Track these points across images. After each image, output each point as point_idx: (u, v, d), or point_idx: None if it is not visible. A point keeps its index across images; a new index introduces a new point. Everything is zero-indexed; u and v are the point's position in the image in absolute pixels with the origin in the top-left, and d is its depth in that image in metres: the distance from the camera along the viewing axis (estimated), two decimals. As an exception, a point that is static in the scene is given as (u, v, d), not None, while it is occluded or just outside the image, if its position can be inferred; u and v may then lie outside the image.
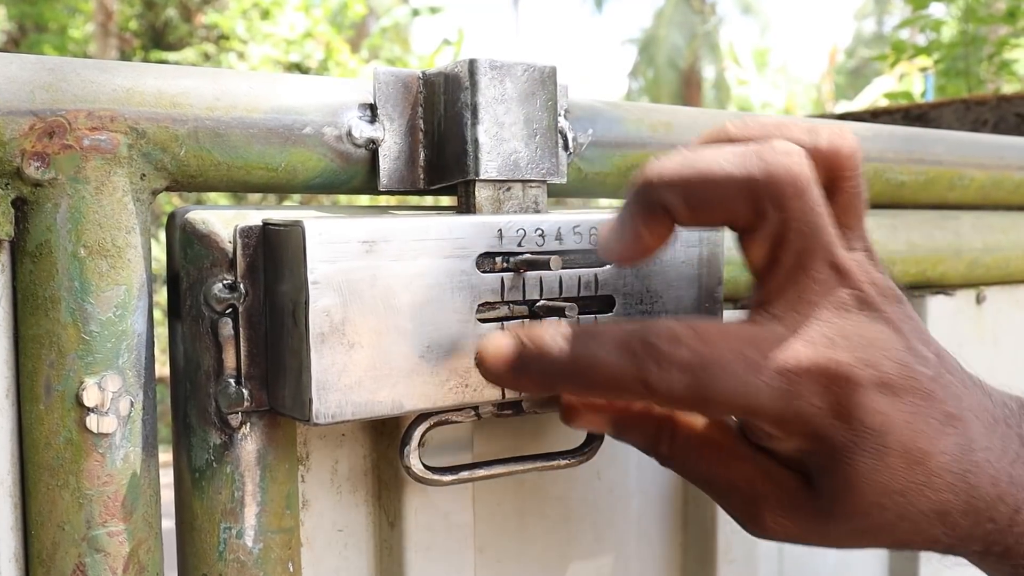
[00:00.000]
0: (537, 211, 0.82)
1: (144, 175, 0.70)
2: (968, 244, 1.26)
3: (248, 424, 0.75)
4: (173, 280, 0.76)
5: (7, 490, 0.69)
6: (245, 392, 0.73)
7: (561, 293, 0.78)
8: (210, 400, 0.74)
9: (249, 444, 0.75)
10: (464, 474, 0.82)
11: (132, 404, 0.70)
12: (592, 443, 0.89)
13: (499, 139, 0.78)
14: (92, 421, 0.68)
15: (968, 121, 2.42)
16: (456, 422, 0.82)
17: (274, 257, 0.72)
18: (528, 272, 0.76)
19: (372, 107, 0.79)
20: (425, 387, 0.73)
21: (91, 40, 15.01)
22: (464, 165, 0.77)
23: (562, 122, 0.87)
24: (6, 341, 0.69)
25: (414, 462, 0.79)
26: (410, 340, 0.72)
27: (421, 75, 0.81)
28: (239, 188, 0.77)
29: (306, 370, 0.68)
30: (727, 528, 1.06)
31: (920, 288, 1.25)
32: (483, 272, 0.75)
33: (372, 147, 0.79)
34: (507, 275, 0.76)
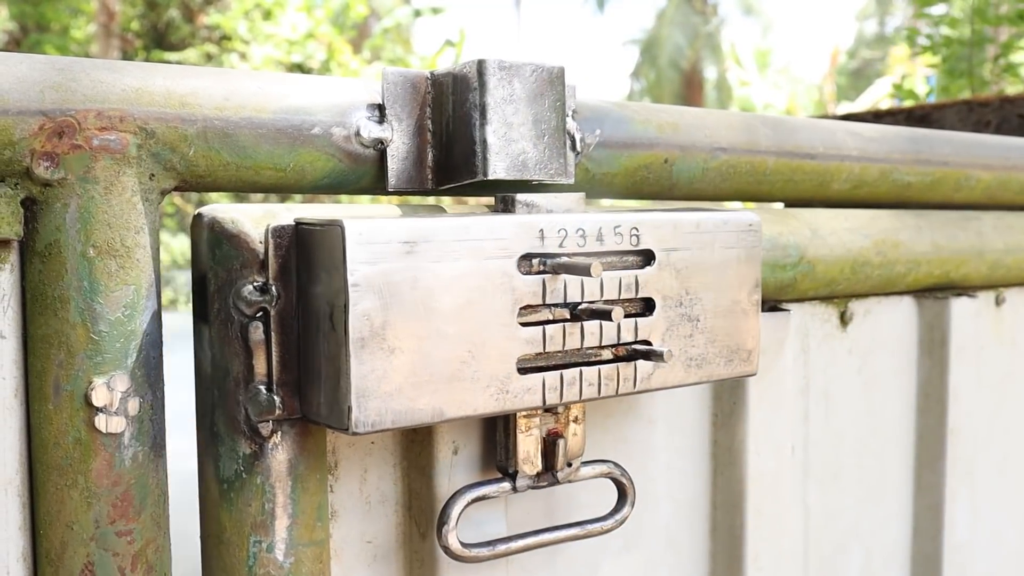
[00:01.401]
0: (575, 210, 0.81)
1: (153, 175, 0.70)
2: (990, 245, 1.27)
3: (279, 433, 0.72)
4: (200, 282, 0.74)
5: (16, 490, 0.69)
6: (276, 399, 0.71)
7: (602, 295, 0.77)
8: (239, 407, 0.72)
9: (280, 454, 0.73)
10: (501, 548, 0.81)
11: (141, 404, 0.70)
12: (622, 508, 0.88)
13: (507, 139, 0.78)
14: (101, 421, 0.68)
15: (971, 122, 2.41)
16: (493, 497, 0.81)
17: (309, 258, 0.70)
18: (565, 275, 0.75)
19: (380, 107, 0.79)
20: (466, 394, 0.72)
21: (93, 40, 15.03)
22: (473, 165, 0.77)
23: (570, 122, 0.87)
24: (15, 341, 0.69)
25: (452, 541, 0.78)
26: (451, 345, 0.70)
27: (429, 75, 0.81)
28: (248, 188, 0.77)
29: (345, 376, 0.66)
30: (756, 535, 1.06)
31: (944, 290, 1.26)
32: (524, 274, 0.73)
33: (380, 147, 0.79)
34: (548, 277, 0.75)
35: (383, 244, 0.66)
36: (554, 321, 0.74)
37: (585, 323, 0.76)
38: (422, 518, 0.84)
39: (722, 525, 1.05)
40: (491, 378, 0.72)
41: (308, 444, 0.74)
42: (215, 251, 0.72)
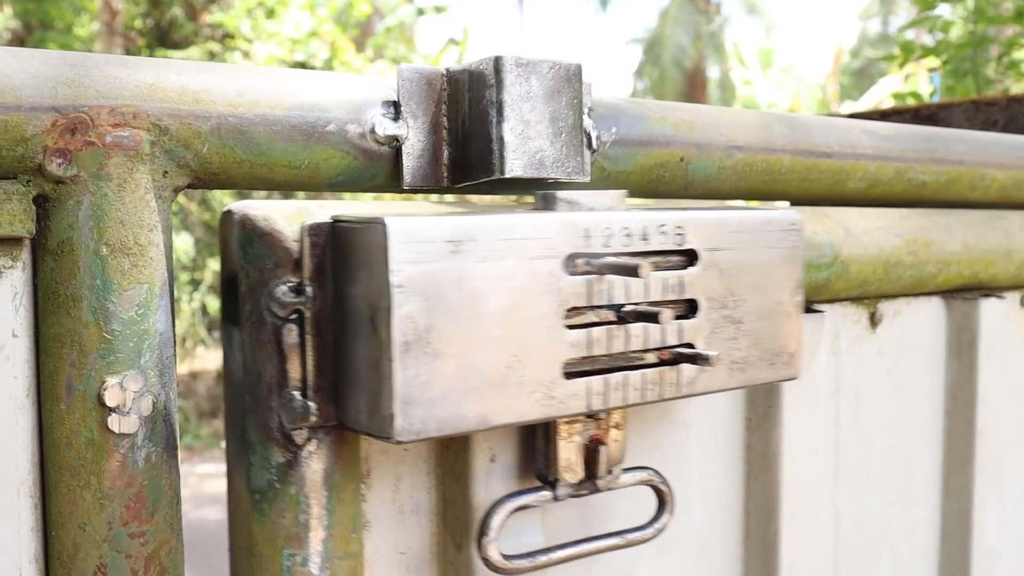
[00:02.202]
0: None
1: (166, 172, 0.70)
2: (1018, 245, 1.25)
3: (314, 441, 0.70)
4: (230, 282, 0.71)
5: (28, 490, 0.68)
6: (312, 406, 0.68)
7: (646, 296, 0.75)
8: (272, 414, 0.69)
9: (315, 463, 0.70)
10: (542, 559, 0.79)
11: (154, 404, 0.69)
12: (661, 516, 0.86)
13: (525, 137, 0.77)
14: (114, 421, 0.67)
15: (978, 122, 2.41)
16: (533, 507, 0.79)
17: (347, 257, 0.67)
18: (611, 275, 0.72)
19: (396, 104, 0.78)
20: (512, 400, 0.69)
21: (96, 38, 15.02)
22: (489, 163, 0.76)
23: (587, 120, 0.86)
24: (27, 340, 0.68)
25: (492, 553, 0.76)
26: (497, 349, 0.68)
27: (445, 72, 0.80)
28: (261, 186, 0.76)
29: (387, 382, 0.64)
30: (791, 542, 1.04)
31: (972, 290, 1.24)
32: (570, 274, 0.71)
33: (395, 145, 0.78)
34: (595, 278, 0.72)
35: (427, 243, 0.64)
36: (600, 323, 0.72)
37: (631, 326, 0.74)
38: (457, 528, 0.82)
39: (755, 532, 1.04)
40: (536, 383, 0.69)
41: (344, 452, 0.71)
42: (246, 250, 0.69)
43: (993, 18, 4.85)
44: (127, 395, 0.67)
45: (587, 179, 0.85)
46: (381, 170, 0.78)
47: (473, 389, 0.66)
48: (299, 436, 0.69)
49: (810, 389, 1.05)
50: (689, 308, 0.78)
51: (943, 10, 5.22)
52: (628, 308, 0.73)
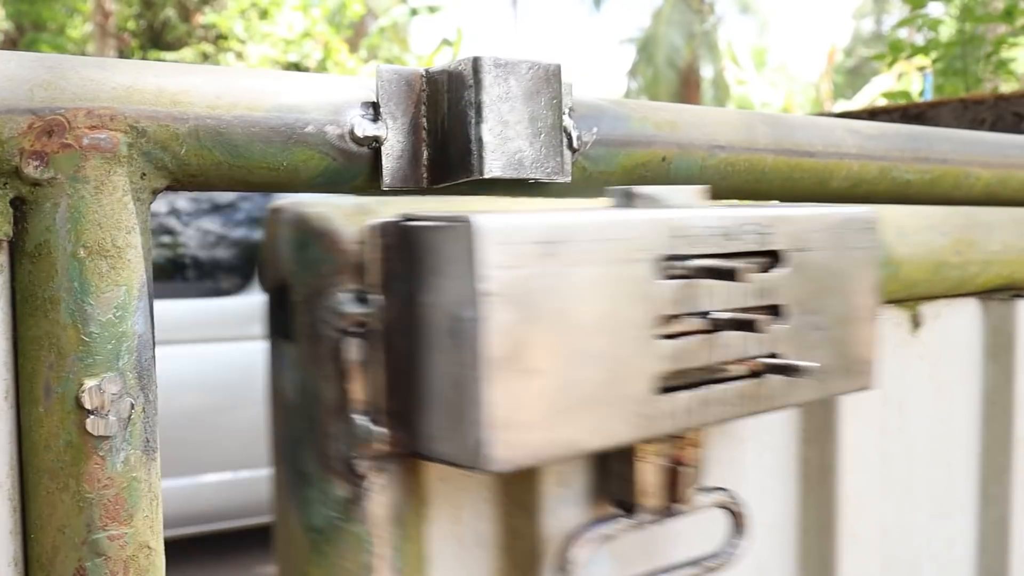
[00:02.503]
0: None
1: (144, 174, 0.70)
2: None
3: (382, 472, 0.62)
4: (279, 291, 0.64)
5: (6, 493, 0.68)
6: (380, 431, 0.60)
7: (733, 301, 0.68)
8: (333, 442, 0.61)
9: (382, 496, 0.62)
10: None
11: (132, 406, 0.69)
12: (737, 540, 0.81)
13: (503, 137, 0.77)
14: (92, 423, 0.67)
15: (966, 120, 2.42)
16: (613, 536, 0.72)
17: (421, 261, 0.59)
18: (704, 279, 0.66)
19: (375, 105, 0.78)
20: (606, 420, 0.61)
21: (89, 40, 15.00)
22: (468, 164, 0.76)
23: (567, 120, 0.86)
24: (5, 342, 0.68)
25: None
26: (591, 363, 0.60)
27: (424, 73, 0.80)
28: (240, 187, 0.76)
29: (476, 404, 0.56)
30: (848, 559, 1.01)
31: (1006, 290, 1.22)
32: (662, 279, 0.64)
33: (375, 145, 0.78)
34: (687, 282, 0.65)
35: (519, 245, 0.56)
36: (693, 333, 0.65)
37: (725, 334, 0.67)
38: (524, 561, 0.75)
39: (813, 550, 1.00)
40: (628, 401, 0.62)
41: (411, 483, 0.64)
42: (301, 254, 0.62)
43: (982, 17, 4.87)
44: (105, 397, 0.67)
45: (568, 179, 0.85)
46: (360, 171, 0.78)
47: (567, 410, 0.58)
48: (365, 466, 0.61)
49: (863, 398, 1.00)
50: (773, 313, 0.71)
51: (933, 9, 5.23)
52: (721, 315, 0.66)
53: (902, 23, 5.36)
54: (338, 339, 0.60)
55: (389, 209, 0.62)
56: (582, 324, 0.59)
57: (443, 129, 0.78)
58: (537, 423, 0.57)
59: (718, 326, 0.67)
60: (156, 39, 15.06)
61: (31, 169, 0.65)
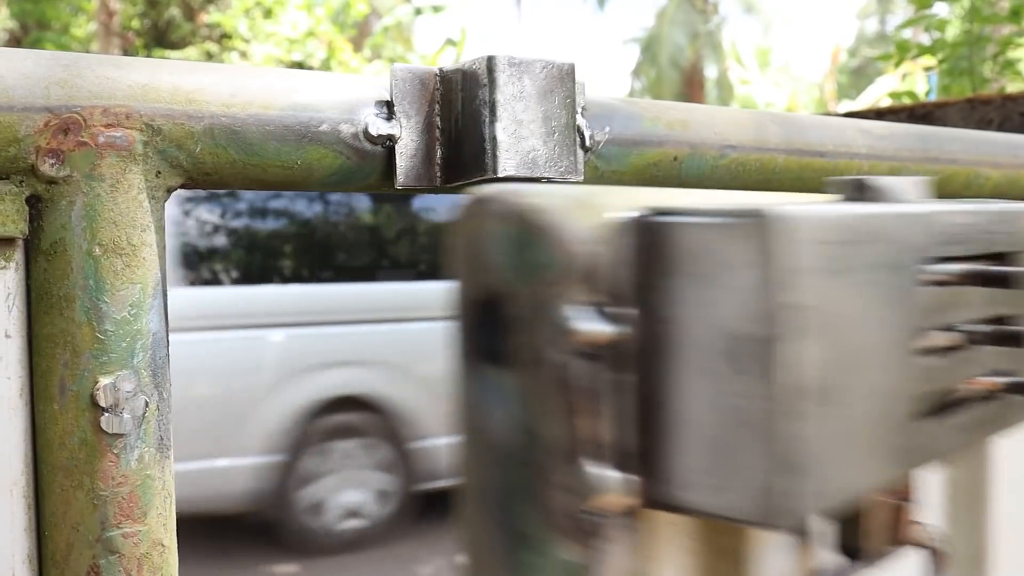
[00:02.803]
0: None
1: (159, 172, 0.70)
2: None
3: (623, 528, 0.49)
4: (485, 303, 0.50)
5: (21, 491, 0.69)
6: (624, 479, 0.48)
7: (985, 310, 0.59)
8: (561, 493, 0.47)
9: (622, 560, 0.49)
10: None
11: (147, 404, 0.69)
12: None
13: (517, 137, 0.77)
14: (106, 421, 0.67)
15: (973, 120, 2.41)
16: None
17: (686, 265, 0.47)
18: (970, 287, 0.57)
19: (389, 104, 0.78)
20: (876, 454, 0.51)
21: (93, 39, 15.03)
22: (482, 163, 0.76)
23: (580, 120, 0.86)
24: (20, 340, 0.68)
25: None
26: (867, 387, 0.50)
27: (438, 72, 0.80)
28: (254, 186, 0.76)
29: (772, 444, 0.44)
30: None
31: None
32: (928, 286, 0.55)
33: (389, 144, 0.78)
34: (952, 290, 0.56)
35: (822, 245, 0.46)
36: (952, 348, 0.57)
37: (984, 349, 0.58)
38: None
39: None
40: (892, 431, 0.52)
41: (654, 544, 0.53)
42: (519, 255, 0.49)
43: (989, 17, 4.86)
44: (120, 395, 0.67)
45: (580, 179, 0.85)
46: (374, 170, 0.78)
47: (853, 444, 0.49)
48: (602, 523, 0.48)
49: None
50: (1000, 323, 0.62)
51: (939, 9, 5.23)
52: (979, 328, 0.58)
53: (908, 23, 5.35)
54: (569, 365, 0.48)
55: (615, 200, 0.50)
56: (861, 341, 0.50)
57: (457, 128, 0.78)
58: (832, 463, 0.48)
59: (974, 340, 0.58)
60: (160, 38, 15.08)
61: (47, 167, 0.65)
